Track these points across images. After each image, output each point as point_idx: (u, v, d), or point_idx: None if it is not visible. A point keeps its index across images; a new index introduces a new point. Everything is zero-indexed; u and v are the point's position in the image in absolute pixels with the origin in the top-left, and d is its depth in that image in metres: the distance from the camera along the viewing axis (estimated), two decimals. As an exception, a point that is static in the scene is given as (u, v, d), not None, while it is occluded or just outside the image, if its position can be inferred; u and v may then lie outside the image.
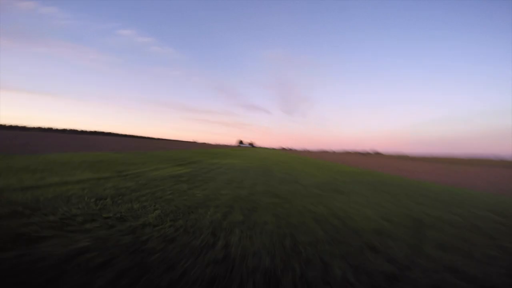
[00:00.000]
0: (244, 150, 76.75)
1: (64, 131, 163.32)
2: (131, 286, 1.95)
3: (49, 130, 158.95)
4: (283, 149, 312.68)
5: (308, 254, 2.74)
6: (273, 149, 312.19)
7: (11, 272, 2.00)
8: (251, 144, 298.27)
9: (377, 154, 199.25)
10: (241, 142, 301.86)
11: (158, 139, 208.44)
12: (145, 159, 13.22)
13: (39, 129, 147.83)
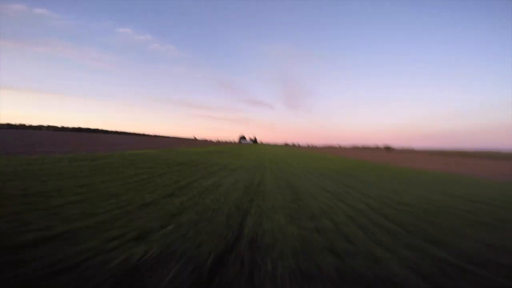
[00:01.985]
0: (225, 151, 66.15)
1: (73, 129, 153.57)
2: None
3: (58, 128, 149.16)
4: (287, 144, 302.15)
5: None
6: (276, 145, 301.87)
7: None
8: (253, 140, 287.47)
9: (388, 149, 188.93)
10: (243, 137, 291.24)
11: (160, 136, 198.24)
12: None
13: (52, 128, 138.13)
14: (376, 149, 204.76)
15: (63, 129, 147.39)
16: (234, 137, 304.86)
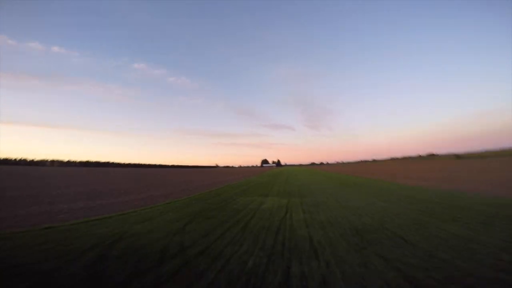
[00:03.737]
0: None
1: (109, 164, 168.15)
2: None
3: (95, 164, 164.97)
4: (313, 163, 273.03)
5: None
6: (301, 165, 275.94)
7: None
8: (276, 163, 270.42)
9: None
10: (265, 161, 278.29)
11: (185, 166, 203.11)
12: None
13: (83, 164, 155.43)
14: (419, 157, 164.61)
15: (87, 163, 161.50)
16: (257, 162, 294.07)
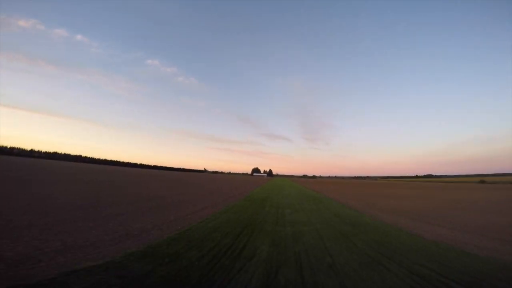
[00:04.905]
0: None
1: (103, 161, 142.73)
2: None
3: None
4: (305, 175, 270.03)
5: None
6: (292, 176, 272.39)
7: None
8: (268, 173, 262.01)
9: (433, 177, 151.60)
10: (256, 170, 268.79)
11: (176, 168, 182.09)
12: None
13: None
14: (416, 177, 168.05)
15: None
16: (248, 169, 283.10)
